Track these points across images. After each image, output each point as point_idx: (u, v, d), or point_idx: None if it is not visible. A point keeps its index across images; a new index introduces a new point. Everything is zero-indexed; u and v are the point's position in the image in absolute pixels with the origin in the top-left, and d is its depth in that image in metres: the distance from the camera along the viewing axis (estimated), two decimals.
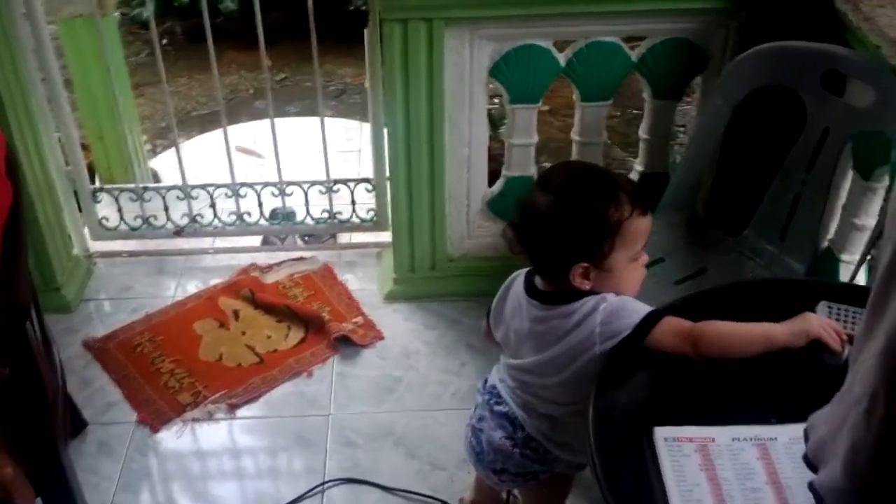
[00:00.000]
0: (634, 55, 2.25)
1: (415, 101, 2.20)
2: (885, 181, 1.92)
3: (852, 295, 1.34)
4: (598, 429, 1.18)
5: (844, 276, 2.08)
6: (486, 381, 1.56)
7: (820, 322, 1.26)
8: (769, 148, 1.95)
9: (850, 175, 2.00)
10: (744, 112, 1.93)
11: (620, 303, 1.31)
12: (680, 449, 1.11)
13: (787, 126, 1.90)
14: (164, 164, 3.41)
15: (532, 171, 2.40)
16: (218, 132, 3.68)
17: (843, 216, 2.06)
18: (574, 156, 2.42)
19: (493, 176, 2.46)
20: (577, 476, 1.64)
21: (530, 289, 1.41)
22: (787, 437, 1.12)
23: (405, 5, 2.06)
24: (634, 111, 3.75)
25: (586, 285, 1.32)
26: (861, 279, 2.05)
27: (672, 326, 1.28)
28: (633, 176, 2.47)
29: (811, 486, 0.93)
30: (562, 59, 2.22)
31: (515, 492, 1.77)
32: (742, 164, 2.02)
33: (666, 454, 1.11)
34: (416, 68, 2.15)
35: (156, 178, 3.33)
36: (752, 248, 1.99)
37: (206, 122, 4.19)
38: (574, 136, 2.38)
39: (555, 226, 1.31)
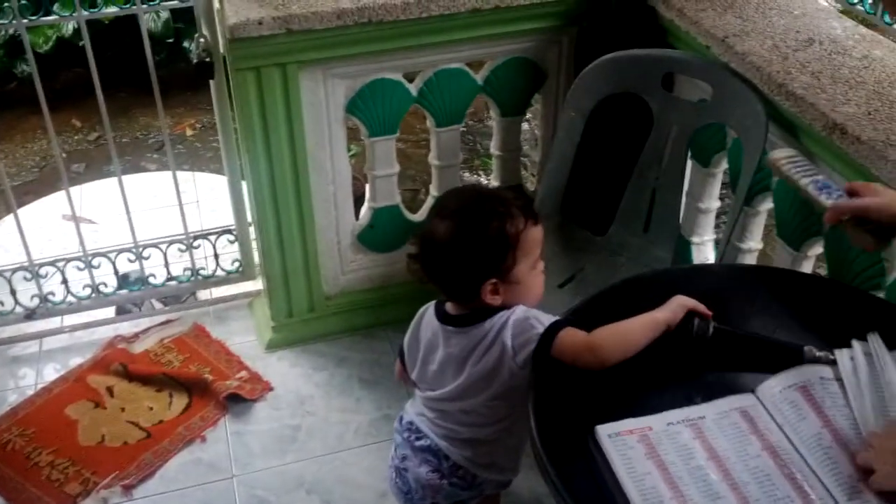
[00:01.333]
0: (479, 78, 2.35)
1: (276, 145, 2.18)
2: (723, 165, 2.12)
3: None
4: (543, 439, 1.21)
5: (696, 257, 2.27)
6: (401, 419, 1.57)
7: (689, 299, 1.36)
8: (623, 150, 2.10)
9: (689, 165, 2.19)
10: (596, 119, 2.07)
11: (527, 314, 1.38)
12: (624, 442, 1.16)
13: (636, 128, 2.06)
14: None
15: (397, 200, 2.45)
16: (34, 205, 3.50)
17: (689, 202, 2.25)
18: (434, 179, 2.48)
19: None
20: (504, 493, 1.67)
21: (443, 316, 1.45)
22: (714, 413, 1.20)
23: (257, 53, 2.04)
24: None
25: (497, 300, 1.37)
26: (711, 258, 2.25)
27: (571, 337, 1.33)
28: None
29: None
30: (413, 89, 2.28)
31: None
32: (600, 167, 2.16)
33: (613, 449, 1.15)
34: (273, 113, 2.14)
35: None
36: (619, 244, 2.13)
37: (20, 195, 3.91)
38: (432, 160, 2.44)
39: (458, 250, 1.36)
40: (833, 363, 1.26)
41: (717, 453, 1.15)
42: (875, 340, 1.27)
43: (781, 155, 1.61)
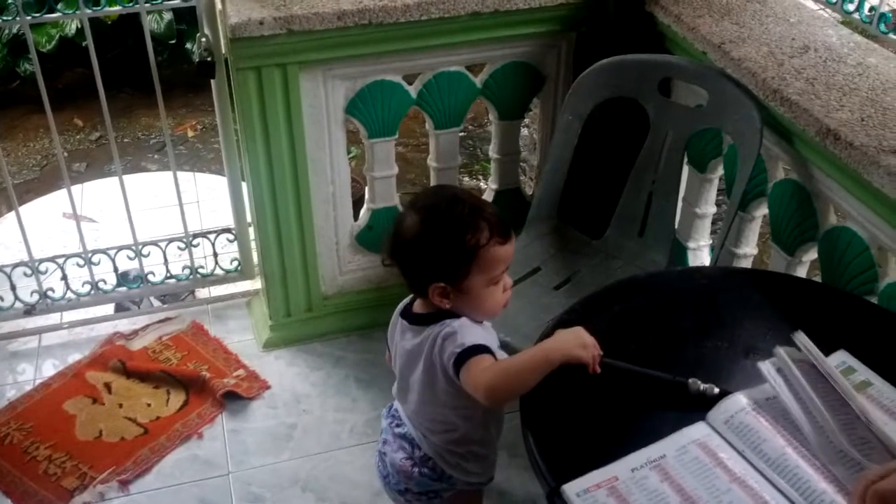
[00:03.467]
0: (478, 81, 2.36)
1: (276, 145, 2.20)
2: (719, 171, 2.14)
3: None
4: None
5: (692, 262, 2.29)
6: (391, 406, 1.60)
7: (591, 347, 1.28)
8: (619, 154, 2.12)
9: (686, 170, 2.21)
10: (593, 123, 2.09)
11: (458, 327, 1.36)
12: (594, 499, 1.10)
13: (632, 132, 2.08)
14: None
15: (396, 202, 2.46)
16: (35, 203, 3.52)
17: (685, 207, 2.27)
18: (433, 182, 2.50)
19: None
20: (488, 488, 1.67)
21: (406, 310, 1.47)
22: (673, 450, 1.16)
23: (258, 53, 2.06)
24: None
25: (446, 304, 1.38)
26: (706, 263, 2.27)
27: (475, 370, 1.31)
28: (488, 194, 2.59)
29: None
30: (412, 91, 2.30)
31: None
32: (596, 171, 2.18)
33: None
34: (273, 113, 2.16)
35: None
36: (615, 248, 2.15)
37: (21, 193, 3.93)
38: (431, 162, 2.46)
39: (416, 245, 1.37)
40: (717, 396, 1.22)
41: (689, 494, 1.10)
42: (800, 339, 1.24)
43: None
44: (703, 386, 1.24)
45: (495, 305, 1.41)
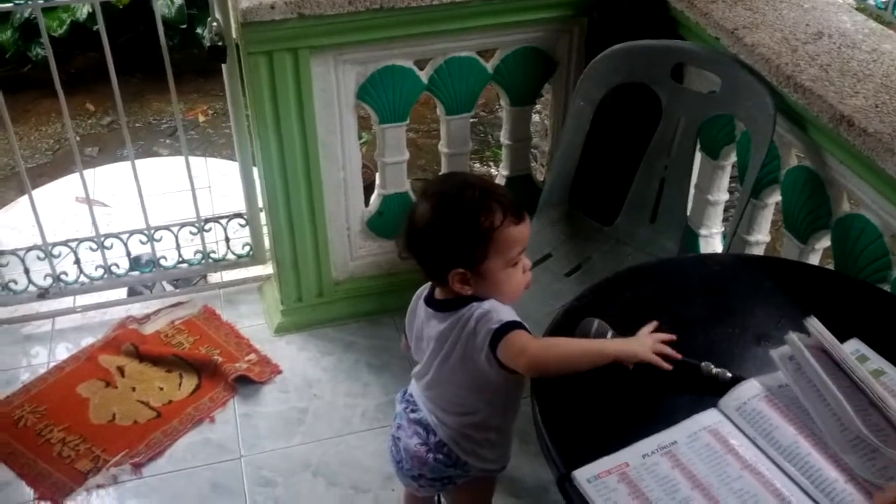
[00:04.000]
0: (490, 66, 2.36)
1: (287, 130, 2.20)
2: (732, 158, 2.13)
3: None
4: None
5: (704, 249, 2.28)
6: (405, 391, 1.60)
7: (653, 345, 1.28)
8: (631, 140, 2.11)
9: (698, 157, 2.20)
10: (605, 109, 2.08)
11: (490, 307, 1.37)
12: (605, 484, 1.11)
13: (645, 118, 2.07)
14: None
15: (406, 187, 2.46)
16: (48, 187, 3.53)
17: (697, 194, 2.26)
18: (444, 168, 2.50)
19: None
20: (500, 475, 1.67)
21: (429, 298, 1.47)
22: (684, 437, 1.16)
23: (269, 37, 2.06)
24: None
25: (467, 290, 1.37)
26: (718, 250, 2.26)
27: (516, 341, 1.32)
28: (499, 180, 2.59)
29: None
30: (423, 76, 2.29)
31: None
32: (608, 157, 2.17)
33: (595, 495, 1.09)
34: (284, 98, 2.16)
35: None
36: (626, 234, 2.14)
37: (34, 177, 3.95)
38: (442, 148, 2.46)
39: (430, 233, 1.37)
40: (729, 381, 1.22)
41: (700, 480, 1.11)
42: (813, 324, 1.23)
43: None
44: (715, 370, 1.25)
45: (516, 287, 1.41)
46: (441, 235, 1.36)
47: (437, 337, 1.43)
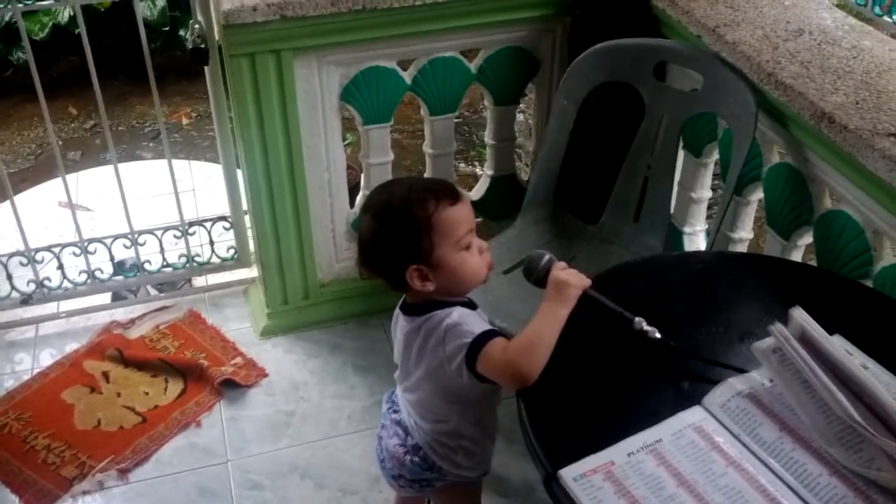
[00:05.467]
0: (473, 66, 2.36)
1: (271, 132, 2.19)
2: (715, 155, 2.14)
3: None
4: None
5: (688, 246, 2.29)
6: (392, 392, 1.61)
7: (569, 278, 1.32)
8: (615, 139, 2.12)
9: (681, 155, 2.21)
10: (588, 108, 2.08)
11: (459, 319, 1.35)
12: (591, 483, 1.10)
13: (628, 117, 2.07)
14: None
15: None
16: (30, 192, 3.50)
17: (680, 192, 2.27)
18: (428, 168, 2.50)
19: None
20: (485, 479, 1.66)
21: (402, 303, 1.47)
22: (669, 434, 1.16)
23: (252, 39, 2.05)
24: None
25: (429, 286, 1.36)
26: (702, 247, 2.27)
27: (493, 354, 1.30)
28: (484, 180, 2.60)
29: None
30: (407, 77, 2.29)
31: None
32: (592, 156, 2.18)
33: (582, 494, 1.09)
34: (268, 100, 2.15)
35: None
36: (611, 233, 2.15)
37: (16, 182, 3.92)
38: (426, 149, 2.46)
39: (376, 241, 1.38)
40: (660, 341, 1.26)
41: (685, 478, 1.11)
42: (798, 314, 1.23)
43: None
44: (647, 327, 1.27)
45: (476, 270, 1.39)
46: (385, 239, 1.36)
47: (404, 339, 1.44)
